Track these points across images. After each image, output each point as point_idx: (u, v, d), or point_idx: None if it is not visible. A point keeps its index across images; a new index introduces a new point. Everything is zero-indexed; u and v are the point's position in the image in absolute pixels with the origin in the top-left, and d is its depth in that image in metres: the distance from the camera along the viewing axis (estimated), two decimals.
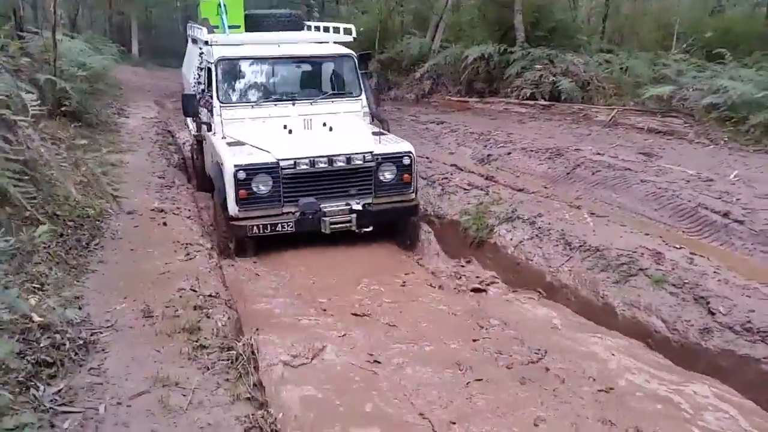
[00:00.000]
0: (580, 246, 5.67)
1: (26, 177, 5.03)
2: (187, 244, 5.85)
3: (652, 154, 8.59)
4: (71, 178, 6.60)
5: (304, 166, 6.40)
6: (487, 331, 4.83)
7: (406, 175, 6.79)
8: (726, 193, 6.44)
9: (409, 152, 6.83)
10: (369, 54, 8.69)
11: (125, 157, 8.95)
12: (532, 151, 8.86)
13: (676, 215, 6.32)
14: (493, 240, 6.47)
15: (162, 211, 6.87)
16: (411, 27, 15.52)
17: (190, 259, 5.56)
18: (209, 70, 7.61)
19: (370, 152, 6.60)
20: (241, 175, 6.21)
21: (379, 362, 4.35)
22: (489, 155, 9.26)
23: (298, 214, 6.36)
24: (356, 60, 7.79)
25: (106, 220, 6.31)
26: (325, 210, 6.42)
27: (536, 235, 6.12)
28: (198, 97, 7.60)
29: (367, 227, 6.61)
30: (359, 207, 6.54)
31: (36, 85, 4.56)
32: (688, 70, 11.39)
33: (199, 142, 8.48)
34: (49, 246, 5.01)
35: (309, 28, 10.16)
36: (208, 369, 3.73)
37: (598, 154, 8.29)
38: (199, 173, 8.82)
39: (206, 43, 7.72)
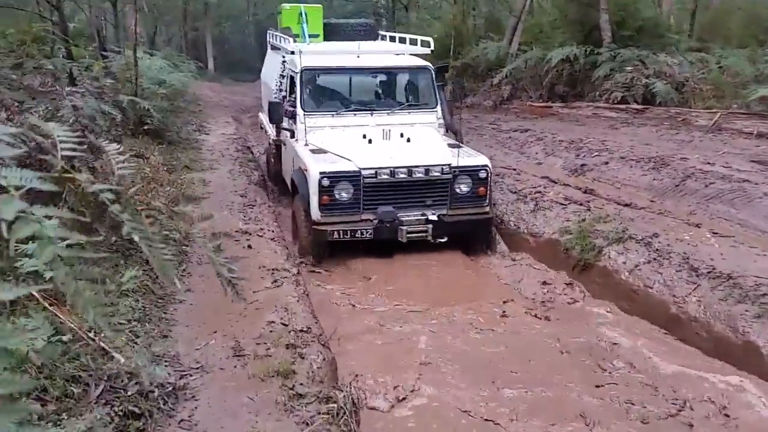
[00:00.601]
0: (708, 272, 4.97)
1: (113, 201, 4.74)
2: (273, 269, 5.51)
3: (766, 162, 7.72)
4: (159, 199, 6.44)
5: (385, 176, 6.49)
6: (611, 375, 4.22)
7: (481, 188, 6.80)
8: None
9: (486, 166, 6.84)
10: (446, 66, 8.70)
11: (207, 175, 8.75)
12: (632, 160, 8.11)
13: None
14: (602, 263, 5.83)
15: (246, 232, 6.57)
16: (486, 31, 14.84)
17: (278, 286, 5.20)
18: (292, 78, 7.73)
19: (448, 164, 6.61)
20: (325, 182, 6.33)
21: (491, 411, 3.82)
22: (583, 165, 8.57)
23: (376, 221, 6.42)
24: (433, 72, 7.85)
25: (191, 245, 6.06)
26: (402, 219, 6.46)
27: (654, 259, 5.44)
28: (282, 104, 7.65)
29: (442, 238, 6.59)
30: (435, 217, 6.53)
31: (119, 106, 4.26)
32: None
33: (278, 146, 8.58)
34: (136, 276, 4.74)
35: (384, 38, 10.19)
36: (308, 425, 3.31)
37: (708, 163, 7.48)
38: (277, 177, 9.06)
39: (291, 52, 7.74)
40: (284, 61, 8.43)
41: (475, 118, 13.04)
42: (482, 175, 6.79)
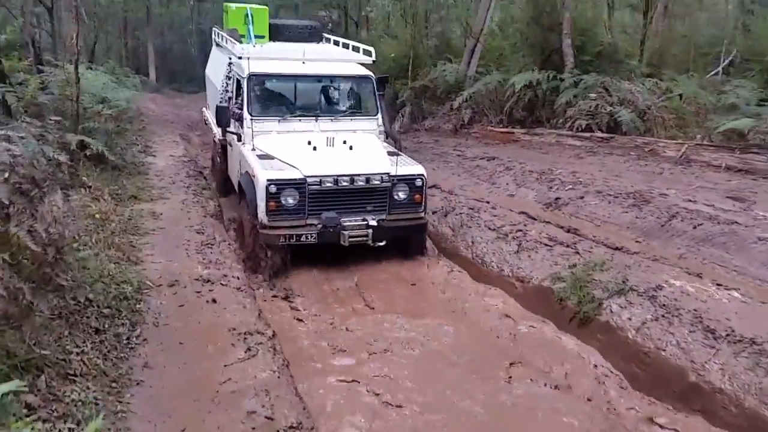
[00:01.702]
0: (727, 335, 4.49)
1: (54, 259, 3.87)
2: (245, 333, 4.70)
3: (744, 198, 7.42)
4: (104, 250, 5.52)
5: (328, 184, 6.68)
6: None
7: (417, 196, 7.09)
8: None
9: (422, 175, 7.14)
10: (386, 77, 8.74)
11: (157, 206, 7.81)
12: (609, 195, 7.68)
13: None
14: (603, 318, 5.28)
15: (208, 281, 5.73)
16: (443, 53, 14.34)
17: (253, 355, 4.41)
18: (239, 81, 7.83)
19: (387, 173, 6.85)
20: (272, 188, 6.48)
21: None
22: (557, 199, 8.09)
23: (320, 226, 6.60)
24: (375, 81, 8.04)
25: (146, 297, 5.18)
26: (344, 224, 6.66)
27: (662, 316, 4.93)
28: (229, 108, 7.64)
29: (381, 241, 6.80)
30: (374, 222, 6.76)
31: (65, 148, 3.41)
32: (744, 97, 10.30)
33: (224, 146, 8.72)
34: (84, 351, 3.87)
35: (328, 40, 10.23)
36: None
37: (690, 200, 7.11)
38: (222, 177, 9.23)
39: (239, 57, 7.71)
40: (230, 63, 8.39)
41: (435, 142, 12.49)
42: (418, 183, 7.08)
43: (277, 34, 9.88)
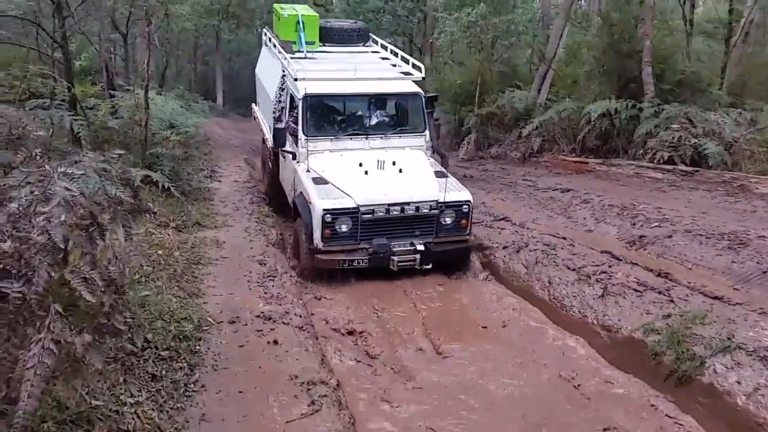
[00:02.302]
0: None
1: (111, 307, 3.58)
2: (308, 383, 4.31)
3: None
4: (166, 284, 5.26)
5: (380, 213, 6.93)
6: None
7: (463, 221, 7.28)
8: None
9: (468, 201, 7.29)
10: (436, 96, 9.04)
11: (221, 234, 7.60)
12: (700, 235, 6.99)
13: None
14: (705, 378, 4.65)
15: (270, 318, 5.40)
16: (512, 79, 13.87)
17: (317, 410, 4.01)
18: (292, 97, 8.11)
19: (435, 200, 7.07)
20: (328, 218, 6.75)
21: None
22: (642, 237, 7.43)
23: (371, 251, 6.83)
24: (423, 98, 8.12)
25: (206, 335, 4.88)
26: (394, 249, 6.88)
27: None
28: (286, 130, 7.84)
29: (428, 265, 7.00)
30: (422, 247, 6.93)
31: (129, 185, 3.13)
32: None
33: (276, 153, 8.84)
34: (138, 402, 3.55)
35: (375, 42, 10.45)
36: None
37: None
38: (272, 181, 9.53)
39: (294, 79, 7.85)
40: (284, 75, 8.68)
41: (502, 170, 11.98)
42: (465, 209, 7.25)
43: (326, 37, 10.07)
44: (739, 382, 4.46)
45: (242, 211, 8.89)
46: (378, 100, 8.32)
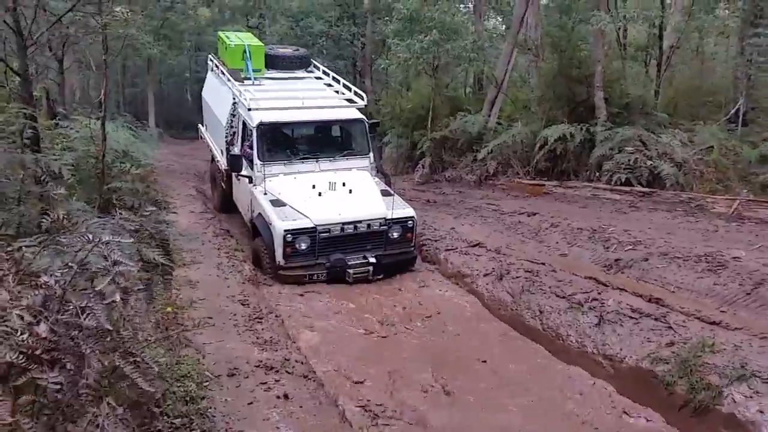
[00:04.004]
0: None
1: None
2: None
3: None
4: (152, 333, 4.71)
5: (336, 231, 7.61)
6: None
7: (409, 234, 8.07)
8: None
9: (412, 217, 8.09)
10: (378, 123, 10.11)
11: (192, 272, 7.03)
12: (677, 257, 7.07)
13: None
14: (725, 408, 4.59)
15: (272, 368, 4.95)
16: (463, 104, 13.88)
17: None
18: (245, 125, 8.72)
19: (384, 218, 7.80)
20: (289, 237, 7.37)
21: None
22: (617, 260, 7.47)
23: (328, 266, 7.48)
24: (367, 124, 8.90)
25: (209, 394, 4.38)
26: (349, 263, 7.52)
27: None
28: (242, 156, 8.40)
29: (379, 275, 7.66)
30: (374, 259, 7.62)
31: (163, 246, 2.69)
32: None
33: (229, 175, 9.35)
34: None
35: (317, 67, 11.22)
36: None
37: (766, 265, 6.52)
38: (225, 198, 10.19)
39: (248, 109, 8.43)
40: (235, 102, 9.22)
41: (460, 193, 11.89)
42: (410, 224, 8.04)
43: (271, 63, 10.62)
44: (761, 412, 4.41)
45: (208, 246, 8.32)
46: (326, 126, 9.27)
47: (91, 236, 2.26)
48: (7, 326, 1.95)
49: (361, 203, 7.92)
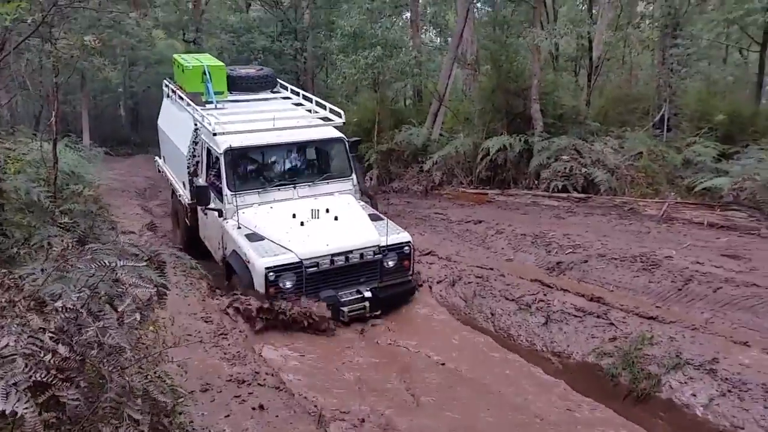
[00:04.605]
0: None
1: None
2: None
3: (739, 256, 7.60)
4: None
5: (325, 265, 6.75)
6: None
7: (406, 262, 7.36)
8: None
9: (409, 242, 7.39)
10: (359, 140, 9.13)
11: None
12: (614, 258, 7.66)
13: None
14: (663, 395, 5.10)
15: (242, 381, 5.15)
16: (408, 117, 14.35)
17: None
18: (210, 152, 7.91)
19: (377, 245, 7.02)
20: (271, 276, 6.48)
21: None
22: (559, 263, 8.01)
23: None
24: (347, 143, 8.20)
25: (185, 409, 4.54)
26: (342, 300, 6.74)
27: (729, 391, 4.80)
28: (209, 188, 7.59)
29: (377, 311, 6.91)
30: (369, 294, 6.84)
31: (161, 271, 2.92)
32: (705, 153, 10.75)
33: (194, 209, 8.53)
34: None
35: (285, 87, 10.40)
36: None
37: (699, 263, 7.18)
38: (190, 236, 8.97)
39: (213, 134, 7.56)
40: (197, 129, 8.32)
41: (408, 203, 12.31)
42: (406, 250, 7.32)
43: (233, 85, 9.77)
44: (694, 396, 4.94)
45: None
46: (301, 148, 8.24)
47: (107, 262, 2.47)
48: (34, 347, 2.14)
49: (350, 231, 7.09)
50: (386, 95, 14.33)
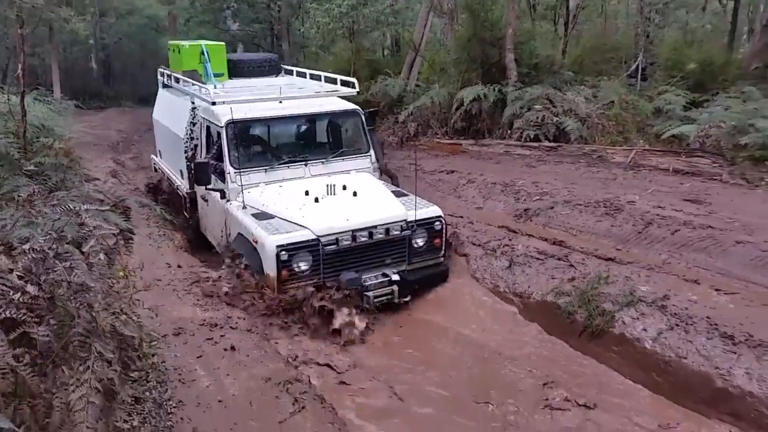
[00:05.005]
0: (746, 340, 4.72)
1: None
2: (284, 383, 4.43)
3: (701, 200, 7.90)
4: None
5: (346, 242, 5.98)
6: None
7: (437, 240, 6.60)
8: None
9: (440, 217, 6.66)
10: (376, 110, 8.53)
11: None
12: (579, 204, 7.92)
13: None
14: (617, 330, 5.43)
15: (214, 324, 5.38)
16: (384, 67, 14.33)
17: (302, 407, 4.17)
18: (210, 130, 7.17)
19: (404, 220, 6.31)
20: (284, 255, 5.68)
21: None
22: (527, 210, 8.25)
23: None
24: (363, 115, 7.55)
25: (158, 352, 4.78)
26: (366, 283, 6.00)
27: (677, 325, 5.13)
28: (209, 164, 6.83)
29: (406, 297, 6.21)
30: (397, 277, 6.12)
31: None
32: (675, 102, 10.96)
33: (193, 200, 7.82)
34: (134, 427, 3.51)
35: (289, 72, 9.76)
36: None
37: (660, 207, 7.46)
38: (192, 231, 8.12)
39: (212, 103, 6.97)
40: (194, 108, 7.58)
41: (384, 155, 12.41)
42: (437, 226, 6.57)
43: (235, 70, 9.16)
44: (645, 330, 5.27)
45: (137, 216, 8.46)
46: (311, 122, 7.58)
47: (73, 206, 2.62)
48: (4, 287, 2.30)
49: (373, 205, 6.38)
50: (362, 45, 14.25)
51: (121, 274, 4.65)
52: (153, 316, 4.67)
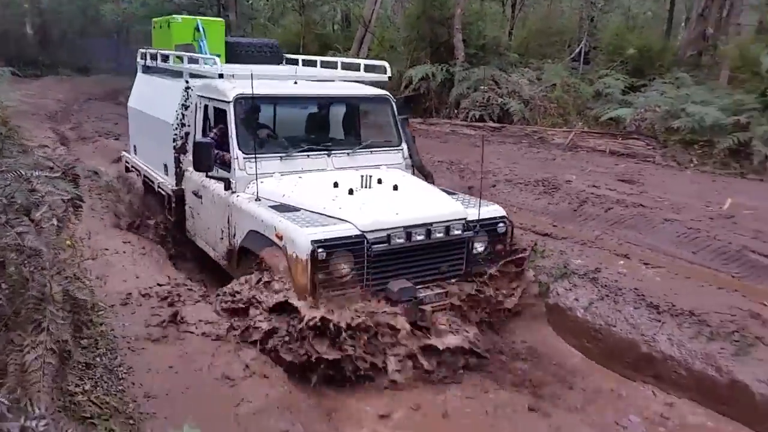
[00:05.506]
0: (669, 309, 5.10)
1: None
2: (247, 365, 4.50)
3: (634, 180, 8.37)
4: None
5: (399, 239, 4.70)
6: None
7: (499, 246, 5.44)
8: (760, 232, 6.24)
9: (505, 217, 5.52)
10: (411, 97, 7.71)
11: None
12: (520, 183, 8.28)
13: (719, 259, 5.99)
14: (550, 300, 5.74)
15: (165, 298, 5.40)
16: (334, 42, 14.33)
17: (253, 372, 4.28)
18: (214, 110, 6.01)
19: (465, 219, 5.09)
20: (321, 253, 4.38)
21: None
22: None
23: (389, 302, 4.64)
24: (394, 103, 6.45)
25: (105, 321, 4.81)
26: (420, 296, 4.75)
27: (606, 295, 5.47)
28: (212, 144, 5.56)
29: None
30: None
31: None
32: (614, 86, 11.45)
33: (180, 198, 6.61)
34: (86, 390, 3.58)
35: (293, 62, 8.46)
36: None
37: (594, 186, 7.87)
38: (177, 237, 6.98)
39: (219, 75, 5.89)
40: (188, 88, 6.49)
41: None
42: (500, 228, 5.43)
43: (232, 54, 7.93)
44: (577, 301, 5.61)
45: (82, 187, 8.35)
46: (334, 106, 6.64)
47: (23, 172, 2.65)
48: None
49: (422, 200, 5.24)
50: (312, 19, 14.19)
51: (68, 243, 4.66)
52: (102, 285, 4.68)
